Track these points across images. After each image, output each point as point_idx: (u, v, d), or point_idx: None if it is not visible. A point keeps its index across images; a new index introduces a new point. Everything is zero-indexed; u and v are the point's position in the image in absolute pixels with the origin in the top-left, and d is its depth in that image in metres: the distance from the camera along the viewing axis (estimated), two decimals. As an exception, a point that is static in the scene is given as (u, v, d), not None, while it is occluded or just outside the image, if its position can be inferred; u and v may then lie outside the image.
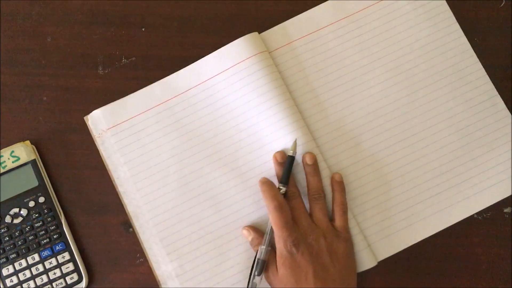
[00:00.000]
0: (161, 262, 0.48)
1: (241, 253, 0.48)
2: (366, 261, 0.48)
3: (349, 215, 0.49)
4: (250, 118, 0.50)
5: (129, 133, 0.51)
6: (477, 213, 0.50)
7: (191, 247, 0.48)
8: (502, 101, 0.52)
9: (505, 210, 0.51)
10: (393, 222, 0.49)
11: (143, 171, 0.50)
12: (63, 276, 0.48)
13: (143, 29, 0.54)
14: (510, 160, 0.51)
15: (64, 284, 0.48)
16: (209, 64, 0.51)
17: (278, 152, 0.48)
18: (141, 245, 0.49)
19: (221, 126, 0.50)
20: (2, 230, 0.48)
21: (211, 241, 0.48)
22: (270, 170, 0.49)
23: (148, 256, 0.49)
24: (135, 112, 0.51)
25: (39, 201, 0.49)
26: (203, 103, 0.51)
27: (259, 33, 0.53)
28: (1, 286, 0.47)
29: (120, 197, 0.50)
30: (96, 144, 0.51)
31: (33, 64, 0.53)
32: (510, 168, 0.50)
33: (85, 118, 0.51)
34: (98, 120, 0.51)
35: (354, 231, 0.48)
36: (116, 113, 0.51)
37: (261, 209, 0.49)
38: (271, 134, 0.49)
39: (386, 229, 0.49)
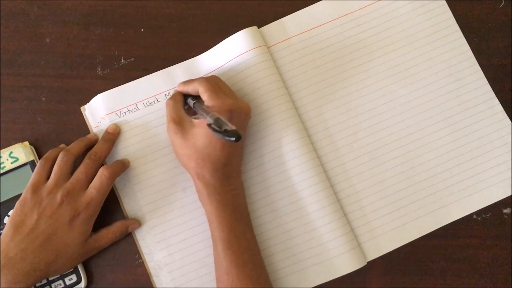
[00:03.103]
0: (153, 252, 0.49)
1: None
2: (355, 261, 0.48)
3: (339, 214, 0.49)
4: None
5: (128, 120, 0.51)
6: (476, 214, 0.50)
7: (181, 237, 0.49)
8: (499, 103, 0.52)
9: (505, 211, 0.51)
10: (384, 222, 0.49)
11: (140, 158, 0.50)
12: (62, 277, 0.48)
13: (142, 30, 0.54)
14: (510, 161, 0.51)
15: (63, 285, 0.47)
16: (209, 57, 0.52)
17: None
18: (134, 238, 0.49)
19: None
20: (1, 232, 0.48)
21: (200, 232, 0.49)
22: (265, 164, 0.49)
23: (141, 248, 0.49)
24: (135, 99, 0.51)
25: (38, 202, 0.49)
26: None
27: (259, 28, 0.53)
28: None
29: (115, 188, 0.50)
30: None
31: (32, 65, 0.53)
32: (510, 170, 0.50)
33: (82, 108, 0.52)
34: (97, 107, 0.51)
35: (344, 230, 0.48)
36: (116, 99, 0.51)
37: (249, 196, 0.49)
38: (266, 128, 0.49)
39: (377, 229, 0.49)
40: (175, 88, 0.49)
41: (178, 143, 0.45)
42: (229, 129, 0.39)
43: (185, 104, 0.48)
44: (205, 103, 0.45)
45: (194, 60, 0.52)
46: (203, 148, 0.44)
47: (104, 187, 0.46)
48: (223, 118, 0.41)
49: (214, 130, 0.40)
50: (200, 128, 0.44)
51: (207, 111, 0.43)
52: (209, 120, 0.42)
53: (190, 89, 0.47)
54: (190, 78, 0.51)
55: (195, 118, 0.46)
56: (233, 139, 0.38)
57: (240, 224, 0.45)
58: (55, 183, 0.46)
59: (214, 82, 0.47)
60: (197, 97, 0.47)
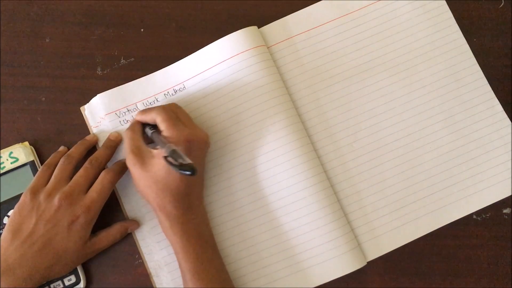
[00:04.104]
0: (153, 252, 0.49)
1: (233, 245, 0.49)
2: (355, 261, 0.48)
3: (339, 214, 0.49)
4: (245, 111, 0.50)
5: (127, 120, 0.51)
6: (476, 214, 0.50)
7: None
8: (499, 103, 0.52)
9: (505, 211, 0.51)
10: (384, 222, 0.50)
11: None
12: (61, 278, 0.47)
13: (142, 30, 0.54)
14: (510, 161, 0.51)
15: (62, 286, 0.47)
16: (207, 55, 0.52)
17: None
18: (134, 238, 0.49)
19: (217, 117, 0.51)
20: (0, 232, 0.48)
21: None
22: (266, 163, 0.49)
23: (141, 248, 0.49)
24: (135, 99, 0.51)
25: (38, 202, 0.49)
26: (201, 93, 0.51)
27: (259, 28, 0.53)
28: (0, 288, 0.47)
29: (115, 188, 0.50)
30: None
31: (31, 65, 0.53)
32: (509, 170, 0.50)
33: (81, 108, 0.52)
34: (97, 107, 0.51)
35: (344, 230, 0.48)
36: (116, 99, 0.51)
37: (246, 196, 0.49)
38: (266, 128, 0.49)
39: (377, 228, 0.49)
40: (135, 116, 0.48)
41: (137, 174, 0.44)
42: (184, 163, 0.39)
43: (144, 132, 0.48)
44: (163, 133, 0.45)
45: (192, 57, 0.52)
46: (162, 179, 0.43)
47: (105, 191, 0.46)
48: (179, 151, 0.40)
49: (169, 163, 0.40)
50: (159, 159, 0.43)
51: (164, 142, 0.43)
52: (165, 152, 0.41)
53: (148, 118, 0.46)
54: (187, 76, 0.52)
55: (154, 148, 0.45)
56: (188, 173, 0.38)
57: (206, 252, 0.45)
58: (54, 186, 0.45)
59: (172, 111, 0.46)
60: (155, 126, 0.47)
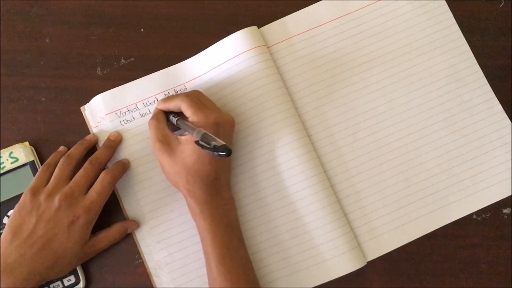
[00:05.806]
0: (153, 252, 0.49)
1: None
2: (355, 261, 0.48)
3: (339, 214, 0.49)
4: (246, 111, 0.50)
5: (127, 120, 0.51)
6: (476, 214, 0.50)
7: (181, 236, 0.49)
8: (499, 103, 0.52)
9: (504, 211, 0.51)
10: (384, 222, 0.50)
11: (140, 158, 0.50)
12: (60, 278, 0.48)
13: (142, 30, 0.54)
14: (510, 161, 0.51)
15: (61, 286, 0.47)
16: (208, 57, 0.52)
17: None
18: (134, 238, 0.49)
19: None
20: (0, 232, 0.48)
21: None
22: (265, 164, 0.49)
23: (141, 248, 0.49)
24: (135, 99, 0.51)
25: (38, 202, 0.49)
26: None
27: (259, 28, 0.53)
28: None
29: (115, 188, 0.50)
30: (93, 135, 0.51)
31: (31, 65, 0.53)
32: (509, 170, 0.50)
33: (81, 108, 0.52)
34: (97, 107, 0.51)
35: (344, 230, 0.48)
36: (116, 99, 0.51)
37: (251, 195, 0.49)
38: (265, 128, 0.49)
39: (377, 228, 0.49)
40: (157, 105, 0.48)
41: (166, 162, 0.45)
42: (218, 145, 0.39)
43: (168, 120, 0.48)
44: (190, 119, 0.45)
45: (192, 59, 0.52)
46: (192, 164, 0.43)
47: (105, 191, 0.46)
48: (210, 134, 0.41)
49: (203, 146, 0.40)
50: (187, 145, 0.44)
51: (192, 127, 0.43)
52: (196, 136, 0.41)
53: (171, 106, 0.47)
54: (189, 77, 0.52)
55: (180, 135, 0.45)
56: (223, 154, 0.38)
57: (233, 239, 0.45)
58: (54, 187, 0.45)
59: (195, 97, 0.46)
60: (178, 114, 0.47)
